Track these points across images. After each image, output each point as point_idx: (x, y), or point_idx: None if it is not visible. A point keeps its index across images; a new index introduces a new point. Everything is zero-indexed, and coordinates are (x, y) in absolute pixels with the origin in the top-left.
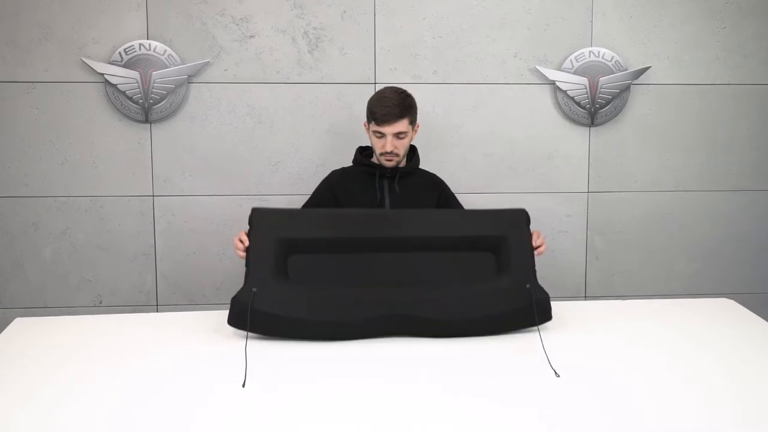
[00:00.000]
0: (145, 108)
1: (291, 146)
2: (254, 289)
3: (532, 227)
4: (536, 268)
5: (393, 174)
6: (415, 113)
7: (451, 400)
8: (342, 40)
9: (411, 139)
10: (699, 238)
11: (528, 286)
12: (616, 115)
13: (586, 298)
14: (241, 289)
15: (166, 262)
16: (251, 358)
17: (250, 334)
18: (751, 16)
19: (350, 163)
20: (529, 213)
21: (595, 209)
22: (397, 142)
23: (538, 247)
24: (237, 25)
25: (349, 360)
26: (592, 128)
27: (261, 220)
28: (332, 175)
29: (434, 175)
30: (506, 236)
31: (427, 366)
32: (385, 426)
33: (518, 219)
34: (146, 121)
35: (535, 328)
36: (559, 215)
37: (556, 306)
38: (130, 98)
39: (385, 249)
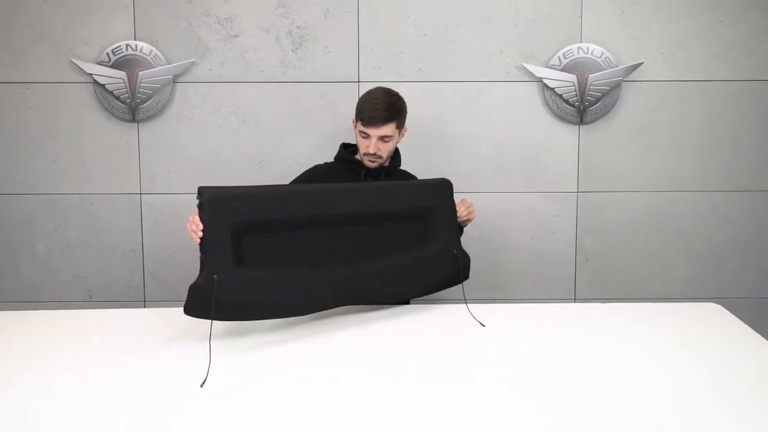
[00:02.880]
0: (132, 107)
1: (275, 145)
2: (215, 276)
3: (524, 225)
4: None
5: (378, 173)
6: (404, 117)
7: (407, 372)
8: (325, 39)
9: (397, 142)
10: (697, 241)
11: (455, 251)
12: (606, 113)
13: (575, 300)
14: (199, 276)
15: (153, 260)
16: (216, 355)
17: (213, 322)
18: (753, 9)
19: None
20: (517, 213)
21: (585, 210)
22: (382, 145)
23: (467, 214)
24: (221, 24)
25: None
26: (581, 126)
27: (212, 202)
28: (316, 169)
29: (414, 177)
30: (431, 207)
31: (394, 351)
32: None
33: (442, 190)
34: (133, 120)
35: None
36: (547, 216)
37: (543, 309)
38: (117, 98)
39: (328, 225)
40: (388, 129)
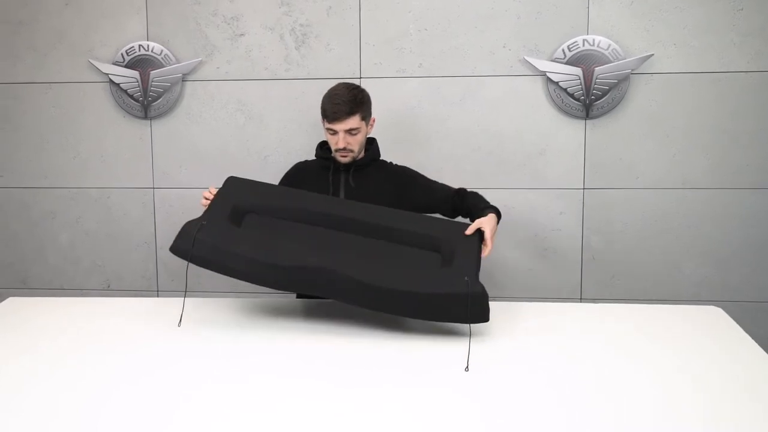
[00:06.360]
0: (145, 105)
1: (279, 140)
2: (204, 222)
3: (528, 222)
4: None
5: (347, 167)
6: (368, 108)
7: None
8: (328, 36)
9: (366, 134)
10: (710, 241)
11: (466, 278)
12: (614, 107)
13: (581, 300)
14: (192, 220)
15: (166, 251)
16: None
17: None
18: None
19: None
20: (520, 210)
21: (592, 206)
22: (350, 139)
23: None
24: (228, 24)
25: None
26: (588, 121)
27: (227, 183)
28: (292, 168)
29: (399, 167)
30: (451, 240)
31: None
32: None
33: (470, 237)
34: (146, 117)
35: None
36: (552, 212)
37: (536, 307)
38: (131, 96)
39: (336, 227)
40: (353, 122)
